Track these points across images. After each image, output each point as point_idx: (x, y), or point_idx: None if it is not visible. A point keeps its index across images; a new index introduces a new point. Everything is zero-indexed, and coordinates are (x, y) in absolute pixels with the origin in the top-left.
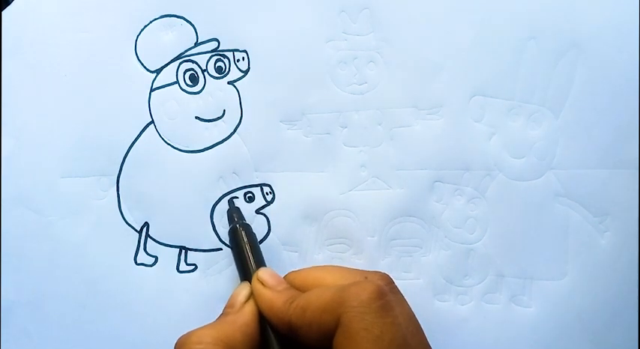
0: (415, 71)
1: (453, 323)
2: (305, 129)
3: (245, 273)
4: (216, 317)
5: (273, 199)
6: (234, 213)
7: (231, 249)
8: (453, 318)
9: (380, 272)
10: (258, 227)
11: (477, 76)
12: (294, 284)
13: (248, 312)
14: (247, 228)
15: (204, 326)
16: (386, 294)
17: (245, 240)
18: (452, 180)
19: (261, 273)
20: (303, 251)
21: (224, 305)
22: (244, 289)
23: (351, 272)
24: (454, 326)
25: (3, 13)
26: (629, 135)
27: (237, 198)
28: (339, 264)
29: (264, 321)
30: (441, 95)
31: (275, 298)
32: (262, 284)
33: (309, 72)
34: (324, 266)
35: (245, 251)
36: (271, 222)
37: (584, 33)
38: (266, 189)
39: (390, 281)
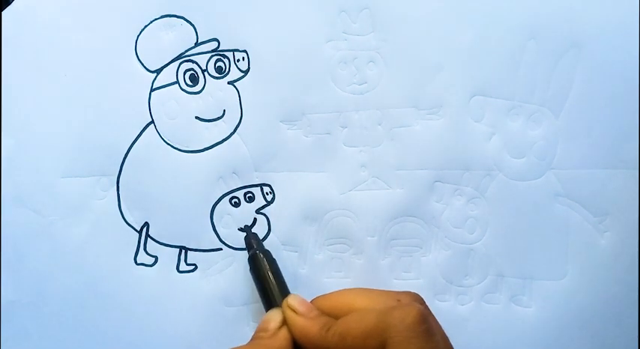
0: (415, 71)
1: (453, 323)
2: (305, 129)
3: (269, 301)
4: (249, 341)
5: (273, 199)
6: (252, 240)
7: (253, 276)
8: (453, 318)
9: (411, 292)
10: (259, 227)
11: (477, 76)
12: (324, 309)
13: (282, 338)
14: (268, 255)
15: (240, 347)
16: (428, 317)
17: (267, 267)
18: (452, 180)
19: (292, 300)
20: (303, 251)
21: (223, 306)
22: (277, 315)
23: (381, 294)
24: (454, 326)
25: (3, 13)
26: (629, 135)
27: (238, 198)
28: (336, 269)
29: None
30: (441, 95)
31: (309, 325)
32: (293, 311)
33: (309, 72)
34: (352, 289)
35: (269, 279)
36: (271, 222)
37: (584, 33)
38: (266, 189)
39: (423, 301)
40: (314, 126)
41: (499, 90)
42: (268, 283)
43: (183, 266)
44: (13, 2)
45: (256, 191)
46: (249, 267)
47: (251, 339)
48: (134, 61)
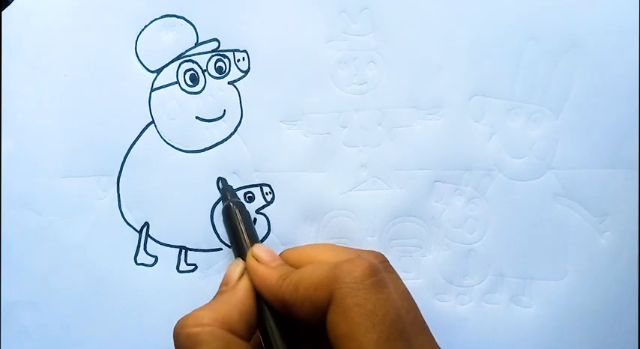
0: (415, 71)
1: (453, 323)
2: (305, 129)
3: (239, 250)
4: (213, 297)
5: (273, 199)
6: (227, 192)
7: (225, 226)
8: (453, 318)
9: (374, 251)
10: (259, 227)
11: (477, 76)
12: (289, 261)
13: (243, 289)
14: (240, 206)
15: (201, 307)
16: (379, 271)
17: (239, 217)
18: (452, 180)
19: (256, 249)
20: None
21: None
22: (238, 266)
23: (345, 250)
24: (454, 326)
25: (3, 13)
26: (629, 135)
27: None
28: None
29: (259, 298)
30: (441, 95)
31: (269, 274)
32: (257, 260)
33: (309, 72)
34: (321, 244)
35: (239, 228)
36: (271, 222)
37: (584, 33)
38: (266, 189)
39: (383, 260)
40: (314, 126)
41: (499, 90)
42: (239, 233)
43: (183, 266)
44: (13, 2)
45: (256, 191)
46: (222, 219)
47: (215, 294)
48: (134, 61)
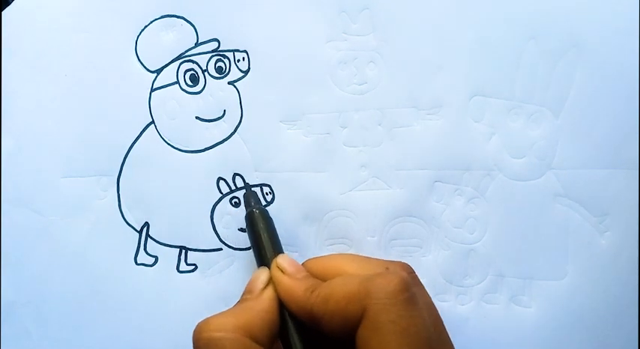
0: (415, 71)
1: (453, 323)
2: (305, 129)
3: (262, 259)
4: (235, 303)
5: (273, 199)
6: (250, 198)
7: (248, 234)
8: (453, 318)
9: (401, 262)
10: None
11: (477, 76)
12: (313, 272)
13: (267, 298)
14: (264, 213)
15: (223, 312)
16: (411, 286)
17: (262, 225)
18: (452, 180)
19: (281, 260)
20: (304, 251)
21: (223, 306)
22: (263, 274)
23: (371, 261)
24: (454, 326)
25: (3, 13)
26: (629, 135)
27: (238, 198)
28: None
29: (283, 308)
30: (441, 95)
31: (295, 286)
32: (281, 271)
33: (309, 72)
34: (343, 254)
35: (262, 237)
36: None
37: (584, 33)
38: (266, 189)
39: (411, 271)
40: (314, 126)
41: (499, 90)
42: (261, 241)
43: (183, 266)
44: (13, 2)
45: (256, 191)
46: (245, 225)
47: (238, 301)
48: (134, 61)
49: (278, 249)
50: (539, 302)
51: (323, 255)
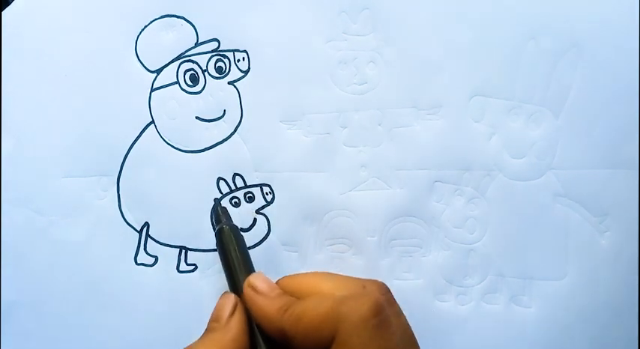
0: (415, 71)
1: (453, 324)
2: (305, 129)
3: (233, 280)
4: (202, 334)
5: (273, 199)
6: (220, 214)
7: (218, 252)
8: (453, 318)
9: (377, 281)
10: (258, 227)
11: (477, 76)
12: (288, 290)
13: (235, 327)
14: (235, 231)
15: (190, 346)
16: (384, 309)
17: (233, 243)
18: (452, 180)
19: (253, 279)
20: (303, 251)
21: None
22: (229, 300)
23: (347, 280)
24: (454, 327)
25: (3, 13)
26: (629, 135)
27: (238, 198)
28: (336, 269)
29: (253, 333)
30: (441, 95)
31: (268, 305)
32: (254, 290)
33: (309, 72)
34: (319, 272)
35: (232, 256)
36: (271, 222)
37: (584, 33)
38: (266, 189)
39: (386, 291)
40: (314, 126)
41: (499, 90)
42: (232, 261)
43: (183, 266)
44: (13, 2)
45: (256, 191)
46: (215, 242)
47: (205, 330)
48: (134, 61)
49: (249, 268)
50: (539, 302)
51: (298, 272)
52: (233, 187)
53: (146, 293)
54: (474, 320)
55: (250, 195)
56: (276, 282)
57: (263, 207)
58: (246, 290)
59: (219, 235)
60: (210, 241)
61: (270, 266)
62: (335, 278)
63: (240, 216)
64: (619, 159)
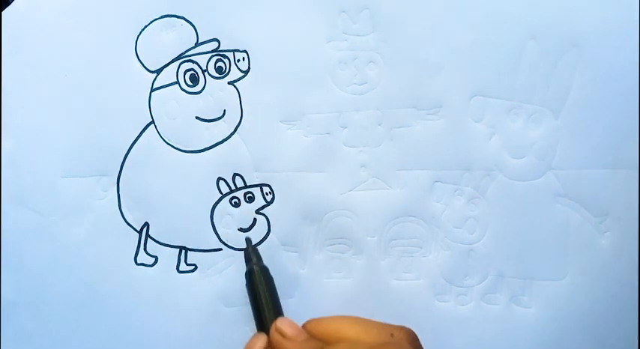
0: (415, 71)
1: (453, 324)
2: (305, 129)
3: (261, 322)
4: None
5: (272, 199)
6: (252, 254)
7: (248, 292)
8: (453, 318)
9: (404, 328)
10: (258, 227)
11: (477, 76)
12: (314, 334)
13: None
14: (265, 272)
15: None
16: None
17: (262, 285)
18: (452, 180)
19: (280, 324)
20: (303, 251)
21: (223, 306)
22: (260, 341)
23: (375, 326)
24: (454, 327)
25: (3, 13)
26: (629, 135)
27: (238, 198)
28: (336, 269)
29: None
30: (441, 95)
31: None
32: (282, 335)
33: (309, 72)
34: (346, 316)
35: (262, 297)
36: (271, 222)
37: (584, 33)
38: (266, 189)
39: (414, 339)
40: (314, 126)
41: (499, 90)
42: (261, 302)
43: (183, 267)
44: (13, 2)
45: (256, 191)
46: (245, 282)
47: None
48: (134, 61)
49: (278, 311)
50: (539, 302)
51: (324, 316)
52: (233, 187)
53: (146, 293)
54: (474, 321)
55: (250, 195)
56: (302, 326)
57: (263, 207)
58: (274, 336)
59: (249, 276)
60: (210, 241)
61: (270, 266)
62: (362, 323)
63: (240, 216)
64: (619, 159)
